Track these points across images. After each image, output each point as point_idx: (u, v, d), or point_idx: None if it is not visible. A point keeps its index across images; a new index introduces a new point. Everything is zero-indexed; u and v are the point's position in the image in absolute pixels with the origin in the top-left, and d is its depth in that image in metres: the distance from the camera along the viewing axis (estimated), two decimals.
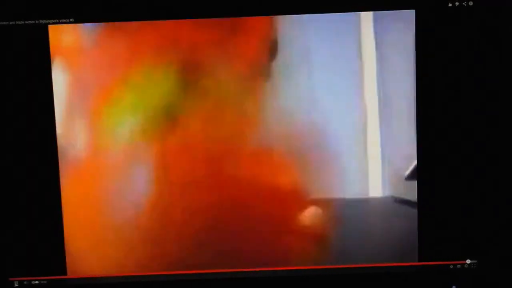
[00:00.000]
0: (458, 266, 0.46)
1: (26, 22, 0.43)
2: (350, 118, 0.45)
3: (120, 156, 0.44)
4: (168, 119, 0.44)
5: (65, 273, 0.46)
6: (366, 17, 0.44)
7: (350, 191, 0.45)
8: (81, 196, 0.45)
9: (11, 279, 0.46)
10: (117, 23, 0.43)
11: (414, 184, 0.45)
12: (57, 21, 0.43)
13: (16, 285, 0.46)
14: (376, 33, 0.44)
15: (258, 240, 0.46)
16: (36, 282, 0.46)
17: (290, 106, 0.44)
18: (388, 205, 0.45)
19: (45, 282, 0.46)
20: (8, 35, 0.43)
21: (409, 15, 0.43)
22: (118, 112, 0.44)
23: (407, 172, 0.45)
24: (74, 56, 0.44)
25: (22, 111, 0.44)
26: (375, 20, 0.44)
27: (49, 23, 0.43)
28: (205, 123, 0.44)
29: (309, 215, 0.45)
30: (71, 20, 0.43)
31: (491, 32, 0.43)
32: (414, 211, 0.45)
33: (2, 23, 0.43)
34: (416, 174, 0.45)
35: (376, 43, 0.44)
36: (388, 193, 0.45)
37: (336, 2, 0.44)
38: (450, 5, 0.43)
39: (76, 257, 0.46)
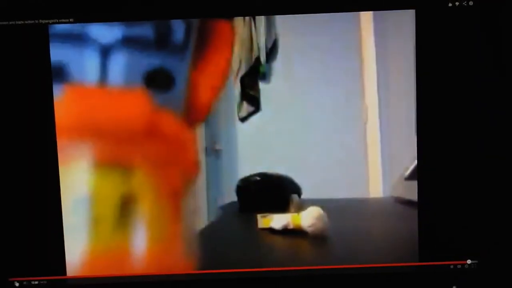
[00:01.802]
0: (459, 266, 0.46)
1: (26, 22, 0.43)
2: (350, 118, 0.45)
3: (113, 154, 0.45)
4: None
5: (64, 273, 0.46)
6: (366, 17, 0.44)
7: (350, 191, 0.45)
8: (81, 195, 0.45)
9: (11, 279, 0.46)
10: None
11: (414, 184, 0.45)
12: (57, 21, 0.43)
13: (16, 285, 0.46)
14: (376, 33, 0.44)
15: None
16: (36, 282, 0.46)
17: (290, 106, 0.45)
18: (389, 205, 0.45)
19: (45, 282, 0.46)
20: (8, 35, 0.43)
21: (409, 15, 0.43)
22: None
23: (408, 172, 0.45)
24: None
25: (22, 110, 0.44)
26: (375, 20, 0.44)
27: (49, 23, 0.43)
28: None
29: (310, 215, 0.45)
30: (71, 20, 0.43)
31: (491, 32, 0.43)
32: (415, 211, 0.45)
33: (2, 23, 0.43)
34: (416, 174, 0.45)
35: (376, 43, 0.45)
36: (388, 193, 0.45)
37: (336, 2, 0.44)
38: (450, 5, 0.43)
39: (76, 257, 0.46)
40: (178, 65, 0.44)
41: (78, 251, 0.45)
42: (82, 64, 0.44)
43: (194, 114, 0.44)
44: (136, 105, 0.44)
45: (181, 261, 0.46)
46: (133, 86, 0.44)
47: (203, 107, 0.44)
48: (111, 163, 0.44)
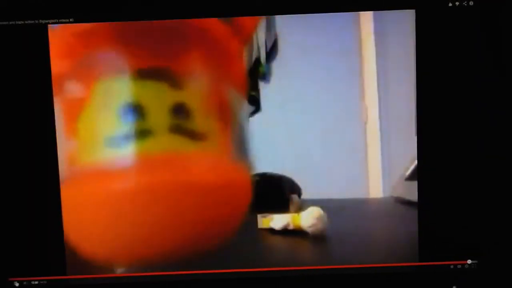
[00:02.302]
0: (459, 266, 0.46)
1: (26, 22, 0.43)
2: (350, 117, 0.45)
3: (115, 158, 0.44)
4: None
5: (65, 273, 0.46)
6: (366, 17, 0.44)
7: (350, 191, 0.45)
8: (81, 196, 0.45)
9: (11, 279, 0.46)
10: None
11: (414, 184, 0.45)
12: (57, 21, 0.43)
13: (16, 285, 0.46)
14: (376, 33, 0.44)
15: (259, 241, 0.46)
16: (36, 282, 0.46)
17: (290, 106, 0.45)
18: (389, 205, 0.45)
19: (45, 282, 0.46)
20: (8, 35, 0.43)
21: (409, 15, 0.43)
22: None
23: (408, 172, 0.45)
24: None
25: (22, 111, 0.44)
26: (375, 20, 0.44)
27: (49, 23, 0.43)
28: None
29: (310, 215, 0.45)
30: (70, 20, 0.43)
31: (491, 32, 0.43)
32: (415, 211, 0.45)
33: (2, 23, 0.43)
34: (416, 175, 0.45)
35: (376, 43, 0.45)
36: (388, 193, 0.45)
37: (336, 2, 0.44)
38: (450, 5, 0.43)
39: (76, 257, 0.46)
40: None
41: (78, 251, 0.45)
42: None
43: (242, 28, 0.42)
44: None
45: (180, 260, 0.46)
46: None
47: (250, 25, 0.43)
48: None
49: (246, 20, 0.42)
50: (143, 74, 0.38)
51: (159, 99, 0.38)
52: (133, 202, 0.40)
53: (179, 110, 0.39)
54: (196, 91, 0.39)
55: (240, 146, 0.42)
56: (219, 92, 0.41)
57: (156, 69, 0.38)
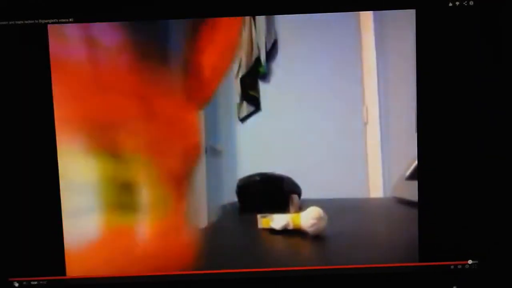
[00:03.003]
0: (459, 266, 0.46)
1: (26, 22, 0.43)
2: (350, 118, 0.45)
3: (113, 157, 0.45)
4: None
5: (64, 273, 0.46)
6: (366, 17, 0.44)
7: (351, 191, 0.45)
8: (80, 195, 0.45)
9: (10, 279, 0.46)
10: None
11: (414, 184, 0.45)
12: (57, 21, 0.43)
13: (15, 285, 0.46)
14: (376, 33, 0.44)
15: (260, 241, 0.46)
16: (36, 282, 0.46)
17: (290, 106, 0.45)
18: (389, 205, 0.45)
19: (44, 282, 0.46)
20: (8, 35, 0.43)
21: (409, 15, 0.43)
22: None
23: (408, 172, 0.45)
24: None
25: (21, 110, 0.44)
26: (375, 20, 0.44)
27: (49, 23, 0.43)
28: None
29: (310, 215, 0.45)
30: (70, 20, 0.43)
31: (491, 32, 0.43)
32: (415, 211, 0.45)
33: (2, 23, 0.43)
34: (416, 175, 0.45)
35: (376, 43, 0.45)
36: (388, 193, 0.45)
37: (336, 2, 0.44)
38: (450, 5, 0.43)
39: (76, 257, 0.46)
40: (173, 41, 0.43)
41: (78, 251, 0.45)
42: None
43: (195, 95, 0.44)
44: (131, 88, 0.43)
45: (180, 261, 0.46)
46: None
47: (205, 88, 0.44)
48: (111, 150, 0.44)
49: (199, 91, 0.44)
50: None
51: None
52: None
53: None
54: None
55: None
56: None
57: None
